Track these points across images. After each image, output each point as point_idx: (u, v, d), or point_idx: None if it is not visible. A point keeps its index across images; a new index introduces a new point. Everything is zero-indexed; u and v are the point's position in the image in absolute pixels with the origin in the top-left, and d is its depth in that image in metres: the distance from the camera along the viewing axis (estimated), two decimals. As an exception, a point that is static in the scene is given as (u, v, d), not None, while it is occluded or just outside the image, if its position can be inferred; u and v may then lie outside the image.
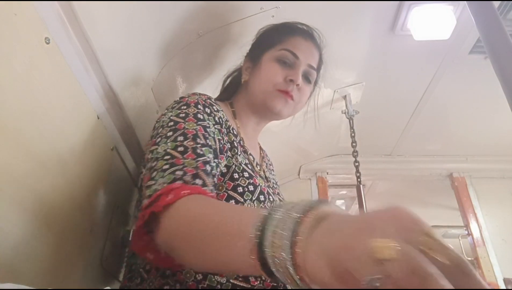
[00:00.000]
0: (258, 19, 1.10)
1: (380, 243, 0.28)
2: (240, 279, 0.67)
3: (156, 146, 0.67)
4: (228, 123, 0.83)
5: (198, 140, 0.67)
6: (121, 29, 0.80)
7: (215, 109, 0.80)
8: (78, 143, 0.69)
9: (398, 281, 0.26)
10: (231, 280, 0.66)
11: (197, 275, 0.65)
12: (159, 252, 0.57)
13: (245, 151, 0.86)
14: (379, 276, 0.27)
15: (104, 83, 0.78)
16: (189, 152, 0.64)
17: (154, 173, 0.61)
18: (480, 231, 2.17)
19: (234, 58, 1.07)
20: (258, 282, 0.67)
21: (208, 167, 0.64)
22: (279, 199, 0.86)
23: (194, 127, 0.70)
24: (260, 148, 1.03)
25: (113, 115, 0.84)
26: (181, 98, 0.79)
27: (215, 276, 0.65)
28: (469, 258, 2.35)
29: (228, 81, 1.06)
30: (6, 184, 0.49)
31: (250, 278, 0.67)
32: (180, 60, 1.07)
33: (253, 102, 0.93)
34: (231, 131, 0.83)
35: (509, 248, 2.12)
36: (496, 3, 1.21)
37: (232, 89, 1.02)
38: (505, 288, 1.95)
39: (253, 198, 0.73)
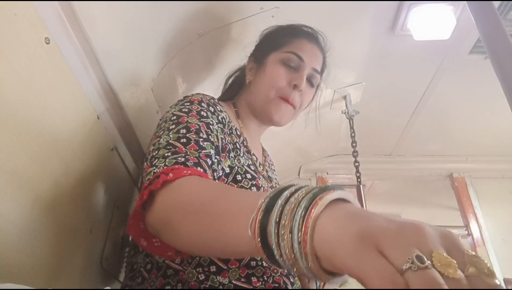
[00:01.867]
0: (258, 19, 1.10)
1: (443, 255, 0.27)
2: (242, 280, 0.67)
3: (158, 138, 0.66)
4: (231, 124, 0.83)
5: (201, 134, 0.67)
6: (121, 29, 0.80)
7: (219, 109, 0.80)
8: (78, 143, 0.69)
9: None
10: (233, 281, 0.66)
11: (199, 275, 0.65)
12: (153, 238, 0.55)
13: (248, 151, 0.86)
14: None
15: (104, 83, 0.78)
16: (192, 144, 0.63)
17: (155, 161, 0.60)
18: (480, 231, 2.17)
19: (235, 58, 1.07)
20: (260, 283, 0.67)
21: (209, 160, 0.63)
22: None
23: (197, 122, 0.69)
24: (263, 148, 1.03)
25: (113, 115, 0.84)
26: (185, 97, 0.80)
27: (217, 277, 0.65)
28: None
29: (230, 81, 1.06)
30: (6, 184, 0.49)
31: (252, 278, 0.67)
32: (180, 60, 1.07)
33: (254, 107, 0.92)
34: (234, 132, 0.83)
35: (509, 248, 2.12)
36: (496, 3, 1.21)
37: (235, 89, 1.02)
38: (505, 288, 1.95)
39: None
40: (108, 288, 0.84)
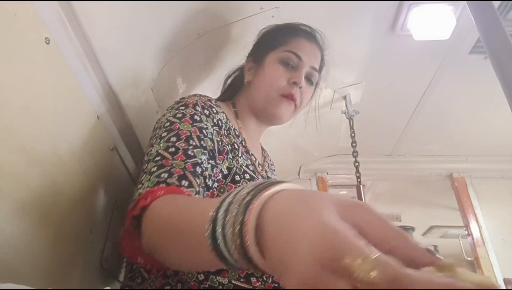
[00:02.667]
0: (258, 19, 1.10)
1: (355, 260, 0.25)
2: (242, 280, 0.67)
3: (151, 148, 0.68)
4: (229, 124, 0.83)
5: (191, 142, 0.67)
6: (121, 29, 0.80)
7: (215, 111, 0.80)
8: (78, 143, 0.69)
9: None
10: (232, 281, 0.66)
11: (199, 275, 0.65)
12: (148, 255, 0.56)
13: (247, 152, 0.86)
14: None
15: (104, 83, 0.78)
16: (180, 153, 0.64)
17: (143, 177, 0.62)
18: (480, 231, 2.17)
19: (235, 58, 1.07)
20: (260, 283, 0.67)
21: (198, 169, 0.64)
22: None
23: (189, 129, 0.70)
24: (262, 148, 1.03)
25: (113, 115, 0.84)
26: (181, 98, 0.80)
27: (217, 277, 0.66)
28: (469, 258, 2.35)
29: (229, 81, 1.06)
30: (6, 184, 0.49)
31: (251, 279, 0.67)
32: (180, 60, 1.07)
33: (255, 106, 0.93)
34: (232, 132, 0.83)
35: (509, 248, 2.12)
36: (496, 3, 1.21)
37: (234, 89, 1.02)
38: (505, 288, 1.95)
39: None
40: (108, 288, 0.84)
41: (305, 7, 1.15)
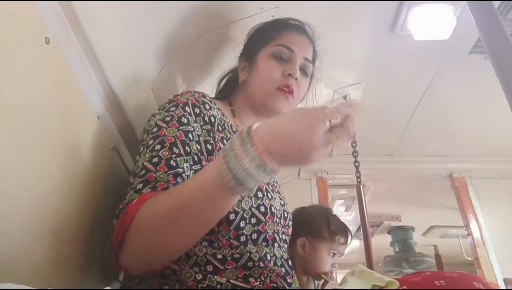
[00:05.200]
0: (258, 19, 1.10)
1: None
2: (240, 279, 0.67)
3: (138, 157, 0.71)
4: (225, 120, 0.83)
5: (174, 149, 0.69)
6: (121, 29, 0.80)
7: (207, 107, 0.79)
8: (78, 143, 0.69)
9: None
10: (231, 280, 0.66)
11: (196, 275, 0.65)
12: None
13: None
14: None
15: (104, 83, 0.78)
16: (162, 164, 0.66)
17: (130, 192, 0.65)
18: (480, 231, 2.17)
19: (234, 58, 1.07)
20: (258, 282, 0.67)
21: (179, 179, 0.66)
22: (279, 197, 0.86)
23: (174, 134, 0.71)
24: None
25: (113, 115, 0.84)
26: (174, 96, 0.80)
27: (215, 276, 0.65)
28: (469, 258, 2.35)
29: (223, 82, 1.06)
30: (6, 184, 0.49)
31: (250, 279, 0.67)
32: (180, 60, 1.07)
33: (253, 102, 0.93)
34: (229, 128, 0.83)
35: (509, 248, 2.12)
36: (496, 3, 1.21)
37: (230, 89, 1.02)
38: (505, 288, 1.95)
39: (250, 194, 0.74)
40: (108, 288, 0.84)
41: (305, 7, 1.15)
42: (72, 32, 0.65)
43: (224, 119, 0.83)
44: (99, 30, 0.71)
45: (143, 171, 0.66)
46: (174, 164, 0.67)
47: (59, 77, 0.63)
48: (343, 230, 1.24)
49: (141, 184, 0.64)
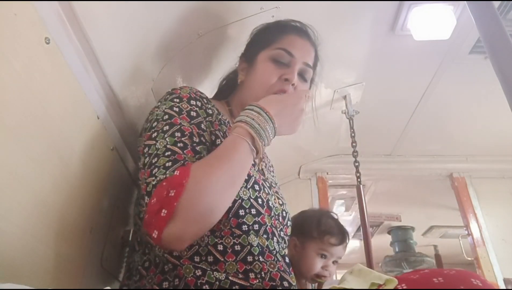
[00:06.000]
0: (258, 19, 1.10)
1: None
2: (240, 275, 0.67)
3: (154, 141, 0.70)
4: (221, 117, 0.84)
5: (194, 139, 0.71)
6: (121, 29, 0.80)
7: (205, 102, 0.81)
8: (78, 143, 0.69)
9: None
10: (230, 277, 0.66)
11: (196, 271, 0.65)
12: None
13: None
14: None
15: (104, 83, 0.78)
16: (189, 149, 0.68)
17: (155, 170, 0.64)
18: (480, 231, 2.17)
19: (234, 58, 1.07)
20: (258, 280, 0.67)
21: None
22: (277, 196, 0.86)
23: (189, 126, 0.73)
24: None
25: (113, 115, 0.84)
26: (173, 89, 0.80)
27: (214, 272, 0.65)
28: (469, 258, 2.35)
29: (224, 83, 1.06)
30: (6, 184, 0.49)
31: (250, 274, 0.67)
32: (180, 60, 1.07)
33: (246, 105, 0.92)
34: (225, 125, 0.83)
35: (509, 248, 2.12)
36: (496, 3, 1.21)
37: (229, 89, 1.02)
38: (505, 288, 1.95)
39: (248, 186, 0.75)
40: (108, 288, 0.84)
41: (305, 7, 1.15)
42: (72, 32, 0.65)
43: (219, 117, 0.84)
44: (99, 30, 0.72)
45: (169, 152, 0.67)
46: (199, 150, 0.70)
47: (59, 77, 0.63)
48: (335, 231, 1.20)
49: (170, 163, 0.65)
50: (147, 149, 0.70)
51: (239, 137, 0.68)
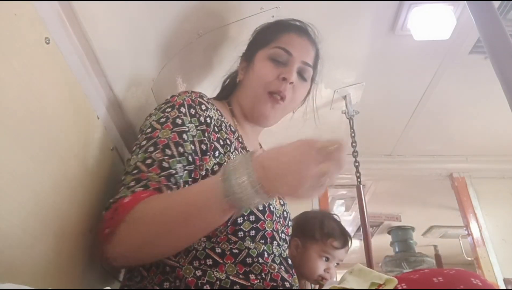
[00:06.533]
0: (258, 19, 1.10)
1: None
2: (240, 276, 0.67)
3: (131, 157, 0.72)
4: (222, 120, 0.83)
5: (167, 151, 0.69)
6: (121, 29, 0.80)
7: (204, 108, 0.79)
8: (78, 143, 0.69)
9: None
10: (230, 277, 0.65)
11: (196, 271, 0.65)
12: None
13: (243, 148, 0.85)
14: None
15: (104, 83, 0.78)
16: (155, 166, 0.67)
17: (121, 189, 0.67)
18: (480, 231, 2.17)
19: (234, 58, 1.07)
20: (258, 280, 0.67)
21: (172, 180, 0.67)
22: (278, 197, 0.86)
23: (168, 136, 0.72)
24: (261, 148, 1.03)
25: (113, 115, 0.84)
26: (171, 96, 0.80)
27: (214, 272, 0.65)
28: (469, 258, 2.35)
29: (226, 82, 1.06)
30: (6, 184, 0.49)
31: (250, 275, 0.67)
32: (180, 60, 1.07)
33: (244, 105, 0.92)
34: (227, 128, 0.82)
35: (509, 248, 2.12)
36: (496, 3, 1.21)
37: (230, 89, 1.02)
38: (505, 288, 1.95)
39: (240, 213, 0.73)
40: (108, 288, 0.84)
41: (305, 7, 1.15)
42: (72, 32, 0.65)
43: (222, 119, 0.83)
44: (99, 30, 0.72)
45: (136, 171, 0.68)
46: (167, 166, 0.68)
47: (59, 77, 0.63)
48: (339, 234, 1.19)
49: (133, 182, 0.66)
50: (127, 163, 0.73)
51: (208, 186, 0.60)
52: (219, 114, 0.83)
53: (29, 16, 0.54)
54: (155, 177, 0.66)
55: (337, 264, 1.20)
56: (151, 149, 0.70)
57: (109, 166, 0.84)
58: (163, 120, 0.74)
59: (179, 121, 0.74)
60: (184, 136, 0.73)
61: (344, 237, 1.20)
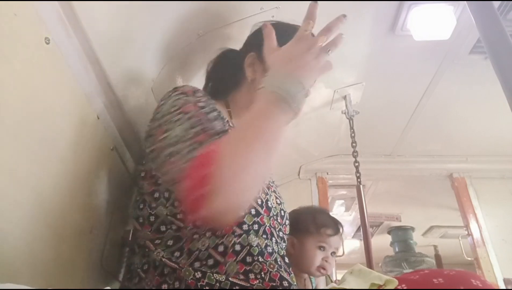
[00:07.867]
0: (258, 19, 1.10)
1: None
2: (240, 276, 0.67)
3: (167, 133, 0.69)
4: (223, 115, 0.82)
5: (206, 124, 0.69)
6: (121, 29, 0.80)
7: (209, 98, 0.81)
8: (78, 143, 0.69)
9: None
10: (230, 278, 0.66)
11: (196, 273, 0.65)
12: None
13: None
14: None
15: (104, 83, 0.78)
16: (208, 132, 0.67)
17: (176, 157, 0.64)
18: (480, 231, 2.17)
19: (234, 58, 1.06)
20: (258, 281, 0.67)
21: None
22: (275, 196, 0.86)
23: (199, 112, 0.71)
24: None
25: (113, 115, 0.84)
26: (174, 88, 0.79)
27: (214, 274, 0.65)
28: (469, 258, 2.35)
29: (218, 76, 1.00)
30: (6, 184, 0.49)
31: (250, 275, 0.67)
32: (180, 60, 1.07)
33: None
34: (227, 124, 0.82)
35: (509, 248, 2.12)
36: (496, 3, 1.21)
37: (227, 87, 0.96)
38: (505, 288, 1.96)
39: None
40: (108, 288, 0.84)
41: (305, 7, 1.15)
42: (72, 32, 0.65)
43: (221, 114, 0.82)
44: (99, 30, 0.72)
45: (190, 135, 0.66)
46: (213, 133, 0.68)
47: (59, 77, 0.63)
48: (330, 222, 1.24)
49: (194, 145, 0.64)
50: (160, 144, 0.69)
51: (263, 102, 0.64)
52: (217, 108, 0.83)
53: (29, 16, 0.54)
54: (210, 140, 0.65)
55: (334, 253, 1.24)
56: (192, 121, 0.69)
57: (109, 166, 0.84)
58: (182, 101, 0.73)
59: (202, 104, 0.74)
60: (210, 116, 0.73)
61: (335, 225, 1.25)
